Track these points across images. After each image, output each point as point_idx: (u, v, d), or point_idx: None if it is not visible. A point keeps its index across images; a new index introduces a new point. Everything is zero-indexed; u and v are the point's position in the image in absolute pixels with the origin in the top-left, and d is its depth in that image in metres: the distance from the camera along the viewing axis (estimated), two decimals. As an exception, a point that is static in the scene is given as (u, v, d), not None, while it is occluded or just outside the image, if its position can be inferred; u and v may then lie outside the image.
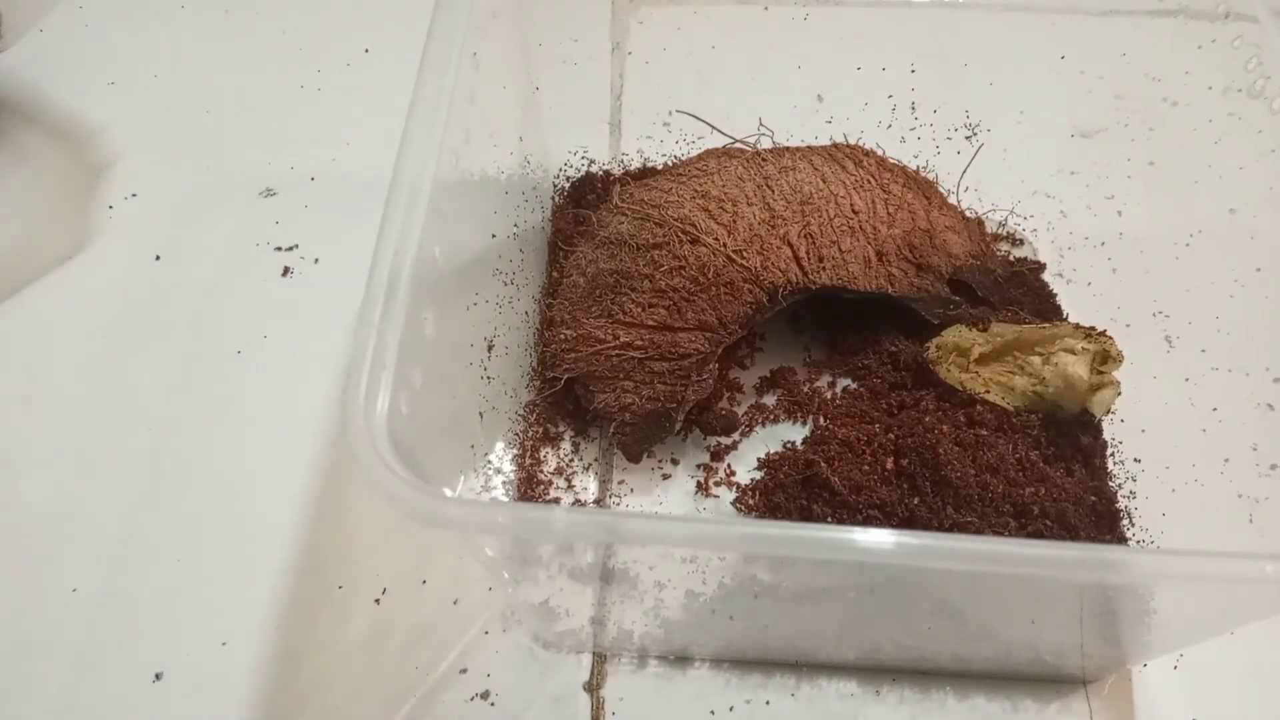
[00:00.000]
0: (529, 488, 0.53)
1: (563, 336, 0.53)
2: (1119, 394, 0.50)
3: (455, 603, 0.50)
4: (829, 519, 0.49)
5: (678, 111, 0.61)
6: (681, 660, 0.48)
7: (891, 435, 0.51)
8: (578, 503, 0.53)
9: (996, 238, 0.64)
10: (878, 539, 0.32)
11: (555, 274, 0.59)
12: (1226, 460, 0.48)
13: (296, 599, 0.50)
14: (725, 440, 0.55)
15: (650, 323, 0.51)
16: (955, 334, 0.54)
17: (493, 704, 0.47)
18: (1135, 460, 0.53)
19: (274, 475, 0.54)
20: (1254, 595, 0.37)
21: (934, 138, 0.63)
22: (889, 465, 0.50)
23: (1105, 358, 0.50)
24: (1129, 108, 0.59)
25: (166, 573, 0.51)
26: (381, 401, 0.34)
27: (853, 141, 0.58)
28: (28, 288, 0.61)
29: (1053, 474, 0.49)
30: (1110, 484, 0.52)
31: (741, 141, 0.58)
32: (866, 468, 0.50)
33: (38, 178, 0.68)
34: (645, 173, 0.65)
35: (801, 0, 0.58)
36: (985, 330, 0.54)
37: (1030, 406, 0.52)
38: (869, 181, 0.56)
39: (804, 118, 0.61)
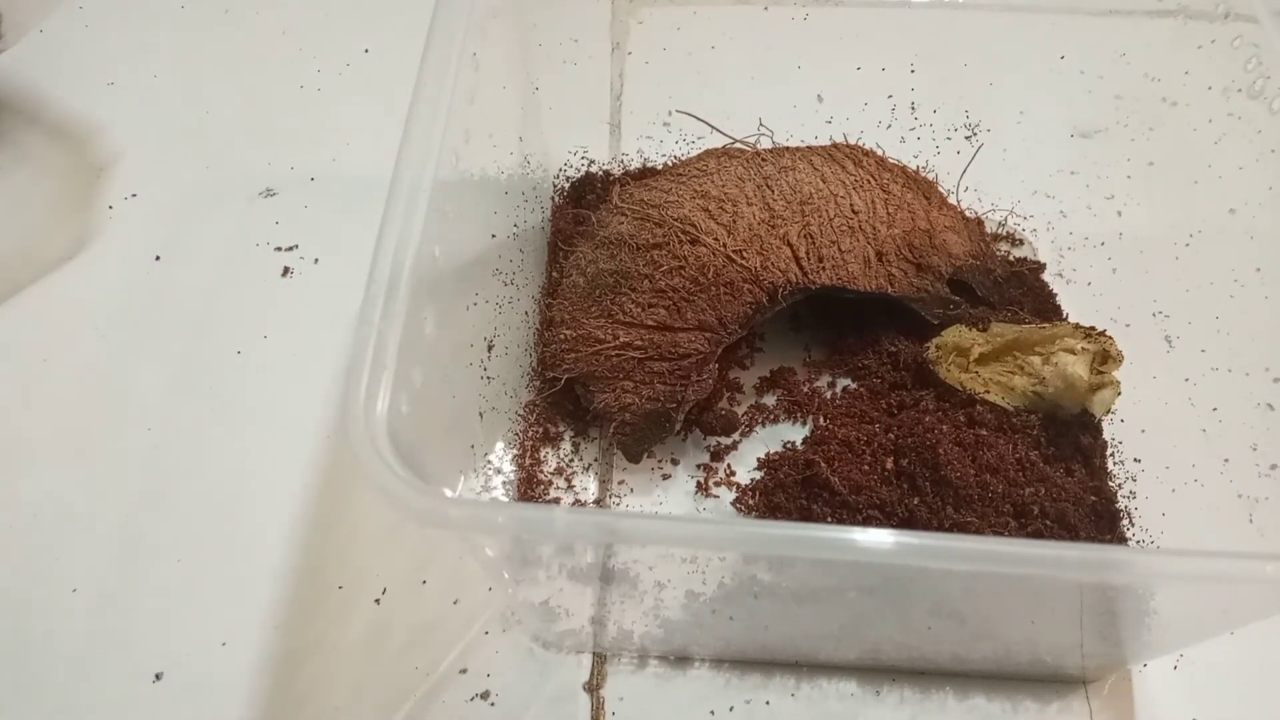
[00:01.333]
0: (529, 488, 0.53)
1: (563, 336, 0.53)
2: (1119, 394, 0.50)
3: (455, 603, 0.50)
4: (829, 519, 0.49)
5: (678, 111, 0.61)
6: (681, 660, 0.48)
7: (891, 435, 0.51)
8: (578, 503, 0.53)
9: (996, 238, 0.64)
10: (878, 539, 0.32)
11: (555, 274, 0.59)
12: (1226, 460, 0.48)
13: (296, 599, 0.50)
14: (725, 440, 0.55)
15: (650, 323, 0.51)
16: (955, 334, 0.54)
17: (493, 704, 0.47)
18: (1135, 460, 0.53)
19: (274, 475, 0.54)
20: (1254, 595, 0.37)
21: (934, 138, 0.63)
22: (889, 465, 0.50)
23: (1105, 358, 0.50)
24: (1129, 108, 0.59)
25: (166, 573, 0.51)
26: (381, 401, 0.34)
27: (853, 141, 0.58)
28: (28, 288, 0.61)
29: (1053, 474, 0.49)
30: (1110, 484, 0.52)
31: (741, 141, 0.58)
32: (866, 468, 0.50)
33: (38, 178, 0.68)
34: (645, 173, 0.65)
35: (801, 0, 0.58)
36: (985, 330, 0.54)
37: (1030, 406, 0.52)
38: (869, 181, 0.56)
39: (804, 118, 0.61)
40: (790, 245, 0.53)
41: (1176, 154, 0.56)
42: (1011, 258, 0.62)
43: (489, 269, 0.52)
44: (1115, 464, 0.53)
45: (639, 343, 0.51)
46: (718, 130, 0.59)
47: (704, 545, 0.36)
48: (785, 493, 0.51)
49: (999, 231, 0.64)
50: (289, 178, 0.67)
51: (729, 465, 0.54)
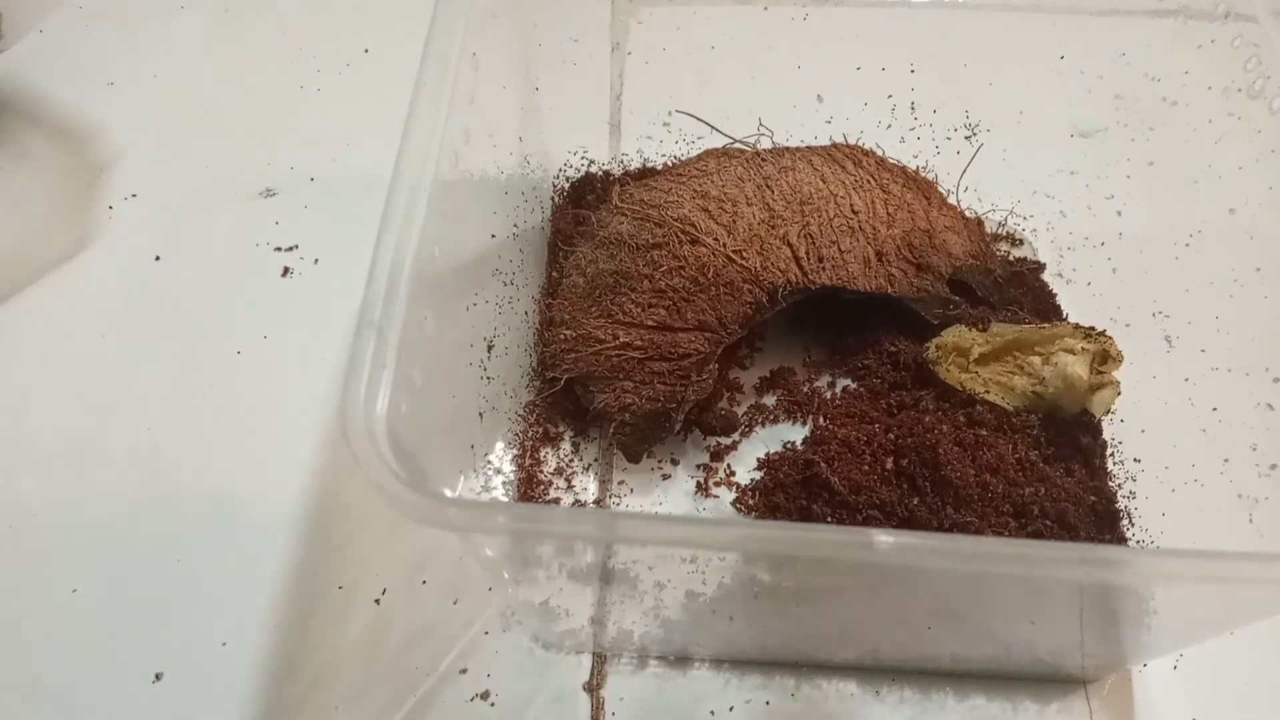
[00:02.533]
0: (529, 488, 0.53)
1: (562, 336, 0.53)
2: (1119, 394, 0.50)
3: (455, 603, 0.50)
4: (829, 519, 0.49)
5: (678, 111, 0.61)
6: (681, 660, 0.48)
7: (891, 435, 0.51)
8: (578, 503, 0.53)
9: (996, 238, 0.64)
10: (878, 539, 0.32)
11: (555, 274, 0.59)
12: (1226, 460, 0.48)
13: (296, 599, 0.50)
14: (725, 440, 0.55)
15: (650, 323, 0.51)
16: (955, 334, 0.54)
17: (493, 704, 0.47)
18: (1135, 460, 0.53)
19: (274, 475, 0.54)
20: (1254, 595, 0.37)
21: (934, 138, 0.63)
22: (889, 465, 0.50)
23: (1105, 358, 0.50)
24: (1129, 108, 0.59)
25: (166, 573, 0.51)
26: (381, 401, 0.34)
27: (852, 141, 0.58)
28: (28, 288, 0.61)
29: (1053, 474, 0.49)
30: (1110, 484, 0.52)
31: (741, 141, 0.58)
32: (866, 468, 0.50)
33: (38, 178, 0.68)
34: (645, 173, 0.65)
35: (801, 0, 0.58)
36: (985, 330, 0.54)
37: (1030, 406, 0.52)
38: (869, 181, 0.56)
39: (804, 118, 0.61)
40: (790, 245, 0.53)
41: (1176, 154, 0.56)
42: (1011, 258, 0.62)
43: (489, 269, 0.52)
44: (1115, 464, 0.53)
45: (639, 343, 0.51)
46: (718, 130, 0.59)
47: (704, 545, 0.36)
48: (785, 493, 0.51)
49: (999, 231, 0.64)
50: (289, 178, 0.67)
51: (729, 465, 0.54)
